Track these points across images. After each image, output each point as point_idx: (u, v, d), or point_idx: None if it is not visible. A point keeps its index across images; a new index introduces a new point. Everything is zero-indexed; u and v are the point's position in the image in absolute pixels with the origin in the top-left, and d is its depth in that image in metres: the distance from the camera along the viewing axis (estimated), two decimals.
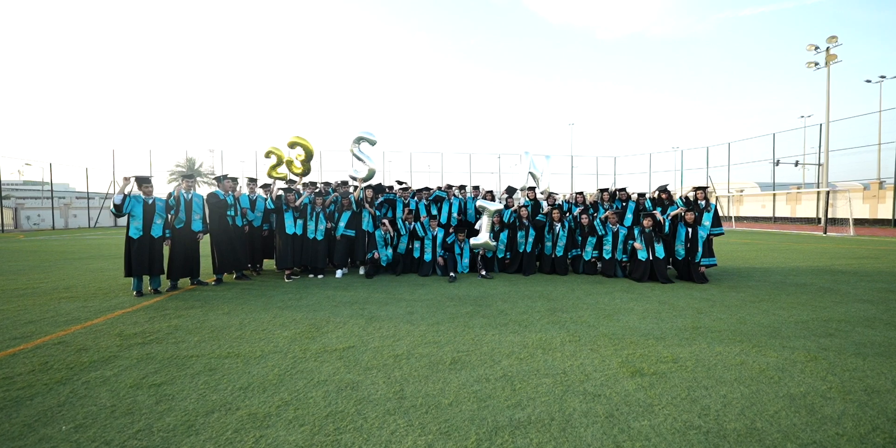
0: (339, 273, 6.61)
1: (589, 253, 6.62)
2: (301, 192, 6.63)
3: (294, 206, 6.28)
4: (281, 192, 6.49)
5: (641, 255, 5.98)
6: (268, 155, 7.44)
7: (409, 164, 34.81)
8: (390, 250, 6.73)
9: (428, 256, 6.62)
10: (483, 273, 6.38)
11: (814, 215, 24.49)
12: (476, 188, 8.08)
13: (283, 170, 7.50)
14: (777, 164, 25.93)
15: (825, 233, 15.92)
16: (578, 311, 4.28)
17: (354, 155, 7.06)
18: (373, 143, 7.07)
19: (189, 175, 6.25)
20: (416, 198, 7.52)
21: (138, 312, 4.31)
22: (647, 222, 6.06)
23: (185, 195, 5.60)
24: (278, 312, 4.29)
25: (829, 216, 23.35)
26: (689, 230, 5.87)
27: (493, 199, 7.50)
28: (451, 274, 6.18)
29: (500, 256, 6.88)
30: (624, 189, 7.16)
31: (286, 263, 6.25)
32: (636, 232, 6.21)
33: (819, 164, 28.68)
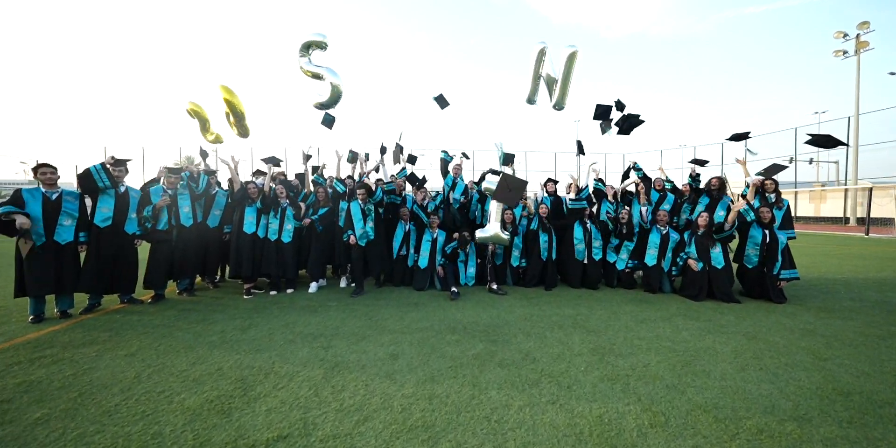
0: (313, 286, 5.29)
1: (624, 261, 5.28)
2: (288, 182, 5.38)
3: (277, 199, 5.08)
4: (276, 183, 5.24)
5: (699, 267, 4.62)
6: (191, 114, 5.97)
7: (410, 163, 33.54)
8: (370, 225, 5.09)
9: (424, 262, 5.30)
10: (493, 287, 5.05)
11: (840, 214, 22.93)
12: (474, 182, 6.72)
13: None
14: (810, 163, 24.32)
15: (867, 234, 14.45)
16: (638, 354, 2.94)
17: (307, 72, 5.17)
18: (323, 46, 5.25)
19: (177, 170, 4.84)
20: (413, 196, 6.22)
21: (6, 352, 3.01)
22: (701, 221, 4.71)
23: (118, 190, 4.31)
24: (204, 354, 2.98)
25: (859, 216, 21.89)
26: (767, 233, 4.50)
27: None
28: (453, 289, 4.84)
29: (514, 264, 5.53)
30: (671, 181, 5.79)
31: (243, 272, 4.93)
32: (686, 237, 4.86)
33: (835, 162, 27.24)
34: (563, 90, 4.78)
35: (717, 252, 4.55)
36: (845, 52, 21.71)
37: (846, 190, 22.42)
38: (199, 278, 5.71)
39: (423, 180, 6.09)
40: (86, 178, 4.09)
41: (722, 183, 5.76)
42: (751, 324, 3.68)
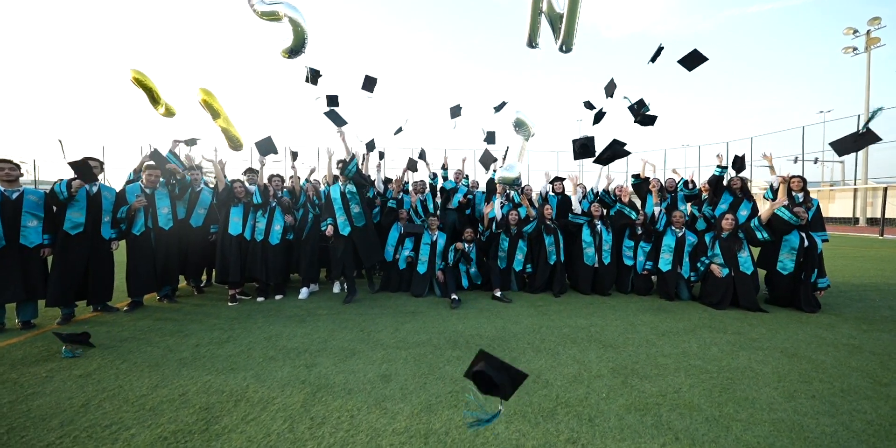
0: (303, 292, 4.92)
1: (641, 263, 4.89)
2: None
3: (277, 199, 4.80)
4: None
5: (722, 272, 4.24)
6: (135, 84, 5.38)
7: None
8: (356, 210, 4.60)
9: (422, 267, 4.93)
10: (498, 294, 4.67)
11: (849, 215, 22.47)
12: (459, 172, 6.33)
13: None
14: (815, 162, 23.83)
15: (881, 235, 14.02)
16: (666, 376, 2.57)
17: (261, 15, 4.06)
18: None
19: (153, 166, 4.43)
20: (410, 193, 5.87)
21: None
22: (726, 224, 4.33)
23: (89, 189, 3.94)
24: (170, 374, 2.61)
25: (869, 216, 21.42)
26: (804, 236, 4.11)
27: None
28: (454, 296, 4.47)
29: (517, 269, 5.15)
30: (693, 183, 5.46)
31: (230, 277, 4.56)
32: (707, 240, 4.47)
33: (841, 162, 26.72)
34: (569, 26, 3.90)
35: (745, 256, 4.16)
36: (855, 49, 21.25)
37: (855, 190, 21.97)
38: (183, 282, 5.38)
39: (416, 162, 5.86)
40: (51, 196, 3.70)
41: (744, 182, 5.39)
42: (786, 338, 3.30)
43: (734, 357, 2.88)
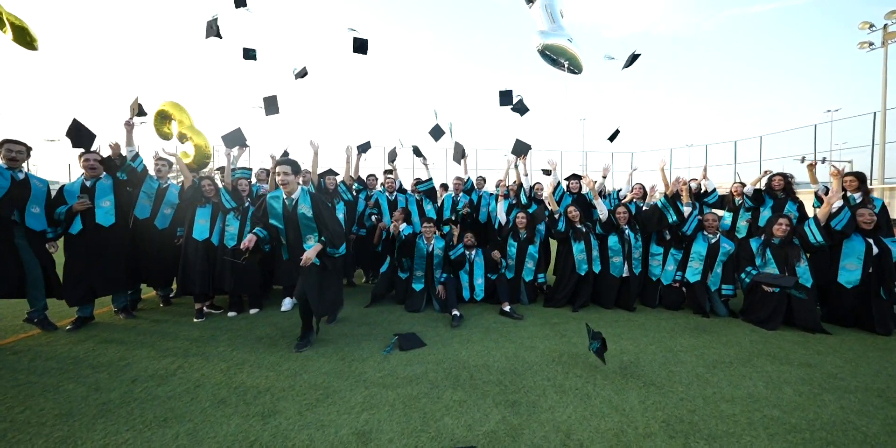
0: (286, 303, 4.30)
1: (671, 273, 4.23)
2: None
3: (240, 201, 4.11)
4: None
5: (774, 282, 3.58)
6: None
7: (412, 160, 32.69)
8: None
9: (419, 285, 4.27)
10: (507, 309, 4.01)
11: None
12: (482, 179, 5.72)
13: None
14: (822, 162, 23.09)
15: None
16: (740, 435, 1.91)
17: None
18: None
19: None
20: (403, 192, 5.25)
21: None
22: (778, 229, 3.65)
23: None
24: (82, 428, 1.97)
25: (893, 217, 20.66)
26: (870, 242, 3.44)
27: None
28: (455, 313, 3.81)
29: (527, 279, 4.49)
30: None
31: (193, 289, 3.92)
32: (754, 247, 3.80)
33: (849, 161, 25.93)
34: (572, 58, 4.75)
35: (803, 267, 3.49)
36: (871, 44, 20.50)
37: (872, 190, 21.22)
38: (151, 290, 4.75)
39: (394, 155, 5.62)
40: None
41: (787, 182, 4.75)
42: (873, 372, 2.63)
43: (819, 403, 2.22)
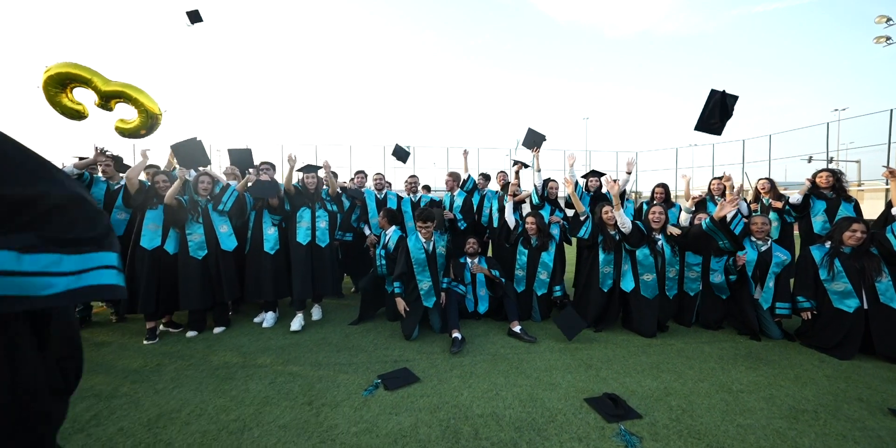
0: (268, 318, 3.68)
1: (719, 275, 3.56)
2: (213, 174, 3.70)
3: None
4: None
5: (847, 304, 2.91)
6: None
7: (413, 160, 32.10)
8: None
9: (429, 300, 3.55)
10: (516, 329, 3.35)
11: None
12: (486, 177, 4.99)
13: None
14: (830, 161, 22.35)
15: None
16: None
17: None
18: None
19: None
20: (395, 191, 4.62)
21: None
22: (851, 239, 2.96)
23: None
24: None
25: None
26: None
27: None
28: (455, 335, 3.15)
29: (539, 293, 3.82)
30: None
31: (140, 305, 3.25)
32: (818, 256, 3.13)
33: (857, 161, 25.18)
34: None
35: (885, 282, 2.83)
36: (888, 39, 19.70)
37: (886, 190, 20.44)
38: (101, 306, 4.14)
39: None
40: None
41: (838, 179, 4.11)
42: None
43: None
